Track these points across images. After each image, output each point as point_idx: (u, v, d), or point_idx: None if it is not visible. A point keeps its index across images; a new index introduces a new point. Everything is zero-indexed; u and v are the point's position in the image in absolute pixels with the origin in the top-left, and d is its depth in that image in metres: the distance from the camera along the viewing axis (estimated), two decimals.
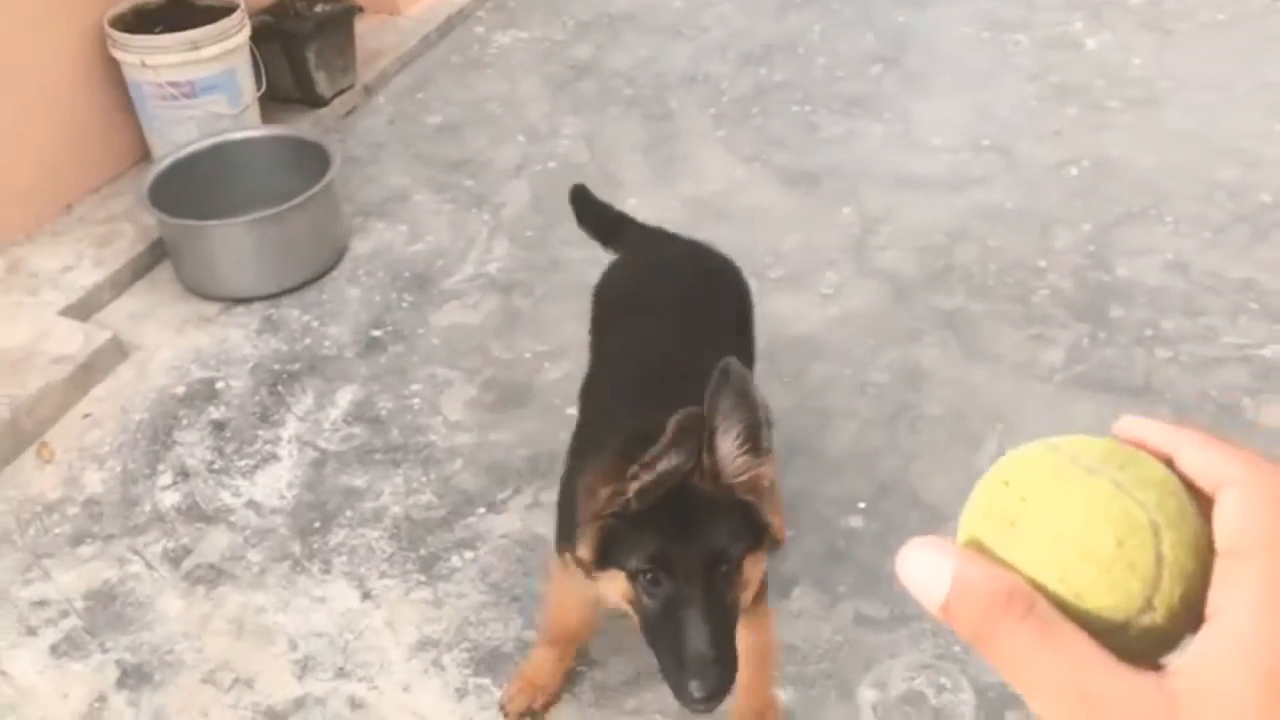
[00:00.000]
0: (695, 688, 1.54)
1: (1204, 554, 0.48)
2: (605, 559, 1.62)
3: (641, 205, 3.59)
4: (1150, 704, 0.45)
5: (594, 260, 3.39)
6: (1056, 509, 0.49)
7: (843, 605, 2.38)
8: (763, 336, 3.06)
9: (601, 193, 3.64)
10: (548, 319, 3.20)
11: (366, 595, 2.44)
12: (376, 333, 3.17)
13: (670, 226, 3.46)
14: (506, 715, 2.19)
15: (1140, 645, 0.47)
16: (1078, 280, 3.13)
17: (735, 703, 2.02)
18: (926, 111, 3.91)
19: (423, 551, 2.54)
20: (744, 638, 1.69)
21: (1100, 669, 0.46)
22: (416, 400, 2.95)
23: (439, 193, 3.75)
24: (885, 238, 3.37)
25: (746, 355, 2.31)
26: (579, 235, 3.49)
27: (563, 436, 2.80)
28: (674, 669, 1.58)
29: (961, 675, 2.22)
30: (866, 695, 2.20)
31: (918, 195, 3.52)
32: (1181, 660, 0.46)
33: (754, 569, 1.64)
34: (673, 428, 1.50)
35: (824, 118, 3.95)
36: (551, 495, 2.64)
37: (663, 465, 1.52)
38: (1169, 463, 0.51)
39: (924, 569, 0.49)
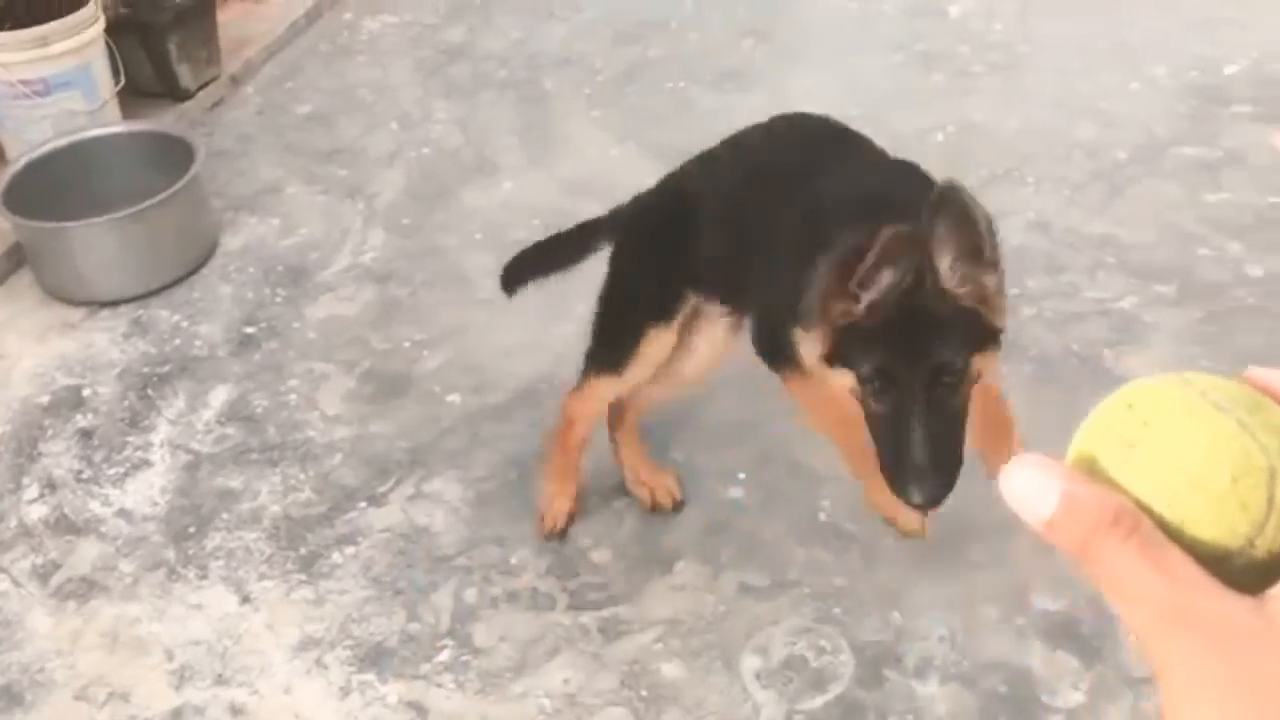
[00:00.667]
0: (914, 493, 1.66)
1: None
2: (837, 359, 1.72)
3: (517, 188, 3.58)
4: (1247, 624, 0.47)
5: (471, 245, 3.38)
6: (1178, 437, 0.50)
7: (725, 576, 2.40)
8: None
9: (476, 178, 3.64)
10: (426, 307, 3.17)
11: (245, 599, 2.40)
12: (250, 330, 3.11)
13: (546, 209, 3.48)
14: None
15: (1237, 580, 0.48)
16: None
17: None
18: (798, 83, 3.94)
19: (303, 550, 2.51)
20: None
21: (1199, 589, 0.48)
22: (293, 396, 2.90)
23: (312, 184, 3.68)
24: None
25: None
26: (456, 221, 3.48)
27: (444, 424, 2.81)
28: (896, 472, 1.68)
29: (841, 637, 2.26)
30: (749, 663, 2.23)
31: None
32: None
33: (984, 364, 1.70)
34: (879, 244, 1.57)
35: (698, 93, 3.96)
36: (431, 485, 2.63)
37: (882, 281, 1.60)
38: None
39: (1031, 485, 0.50)
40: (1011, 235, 3.16)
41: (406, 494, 2.64)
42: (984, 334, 1.69)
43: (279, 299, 3.21)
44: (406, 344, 3.04)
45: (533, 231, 3.39)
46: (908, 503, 1.70)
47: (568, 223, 3.40)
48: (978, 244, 1.62)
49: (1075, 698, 2.14)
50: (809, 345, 1.78)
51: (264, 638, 2.32)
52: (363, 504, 2.62)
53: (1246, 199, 3.18)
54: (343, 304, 3.19)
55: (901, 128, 3.67)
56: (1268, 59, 3.73)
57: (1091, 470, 0.51)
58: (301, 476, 2.69)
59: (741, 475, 2.61)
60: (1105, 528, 0.48)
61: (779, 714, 2.15)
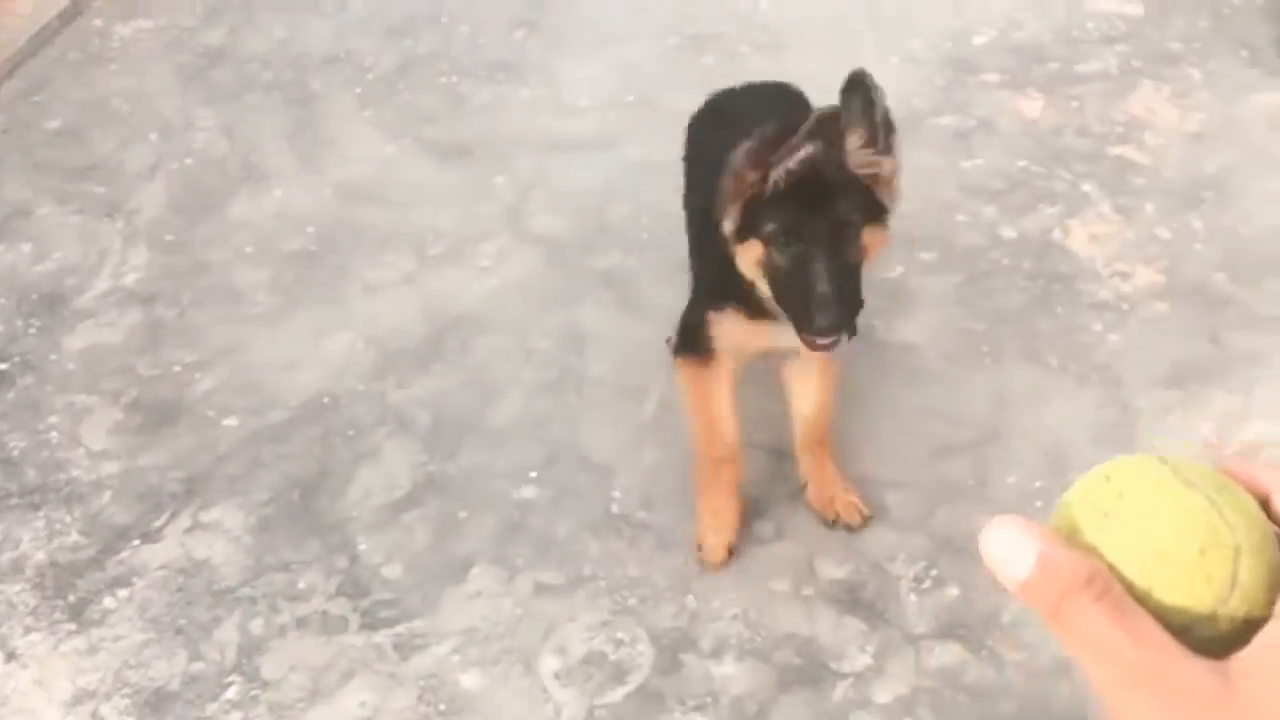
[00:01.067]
0: (819, 319, 1.90)
1: (1275, 590, 0.52)
2: (745, 231, 1.97)
3: (289, 195, 3.46)
4: (1207, 687, 0.49)
5: (242, 259, 3.25)
6: (1150, 509, 0.53)
7: (521, 578, 2.39)
8: (426, 317, 3.03)
9: (244, 187, 3.50)
10: (196, 327, 3.03)
11: (11, 656, 2.26)
12: (2, 366, 2.92)
13: (321, 215, 3.38)
14: (712, 568, 2.36)
15: (1201, 647, 0.51)
16: None
17: (807, 428, 2.41)
18: (572, 72, 3.93)
19: (72, 598, 2.37)
20: (814, 381, 2.32)
21: (1164, 651, 0.51)
22: (54, 434, 2.74)
23: (65, 203, 3.47)
24: (540, 203, 3.37)
25: None
26: (224, 234, 3.34)
27: (220, 449, 2.70)
28: (801, 309, 1.92)
29: (638, 627, 2.27)
30: (548, 664, 2.22)
31: (569, 157, 3.54)
32: (1242, 652, 0.50)
33: (873, 239, 1.98)
34: (811, 121, 1.84)
35: (471, 87, 3.91)
36: (210, 514, 2.53)
37: (801, 153, 1.85)
38: (1264, 502, 0.55)
39: (1008, 546, 0.52)
40: None
41: (183, 526, 2.53)
42: (876, 209, 1.97)
43: (33, 330, 3.02)
44: (177, 368, 2.91)
45: (307, 240, 3.30)
46: (813, 333, 1.93)
47: (344, 229, 3.33)
48: (881, 130, 1.91)
49: (863, 660, 2.21)
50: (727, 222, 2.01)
51: (33, 695, 2.18)
52: (136, 542, 2.49)
53: (998, 164, 3.34)
54: (104, 330, 3.02)
55: (676, 111, 3.68)
56: (1011, 28, 3.91)
57: (1070, 536, 0.54)
58: (67, 519, 2.55)
59: (533, 474, 2.60)
60: (1078, 589, 0.51)
61: (580, 712, 2.15)
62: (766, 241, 1.95)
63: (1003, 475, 2.49)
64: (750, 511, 2.46)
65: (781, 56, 3.92)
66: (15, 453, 2.68)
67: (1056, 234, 3.08)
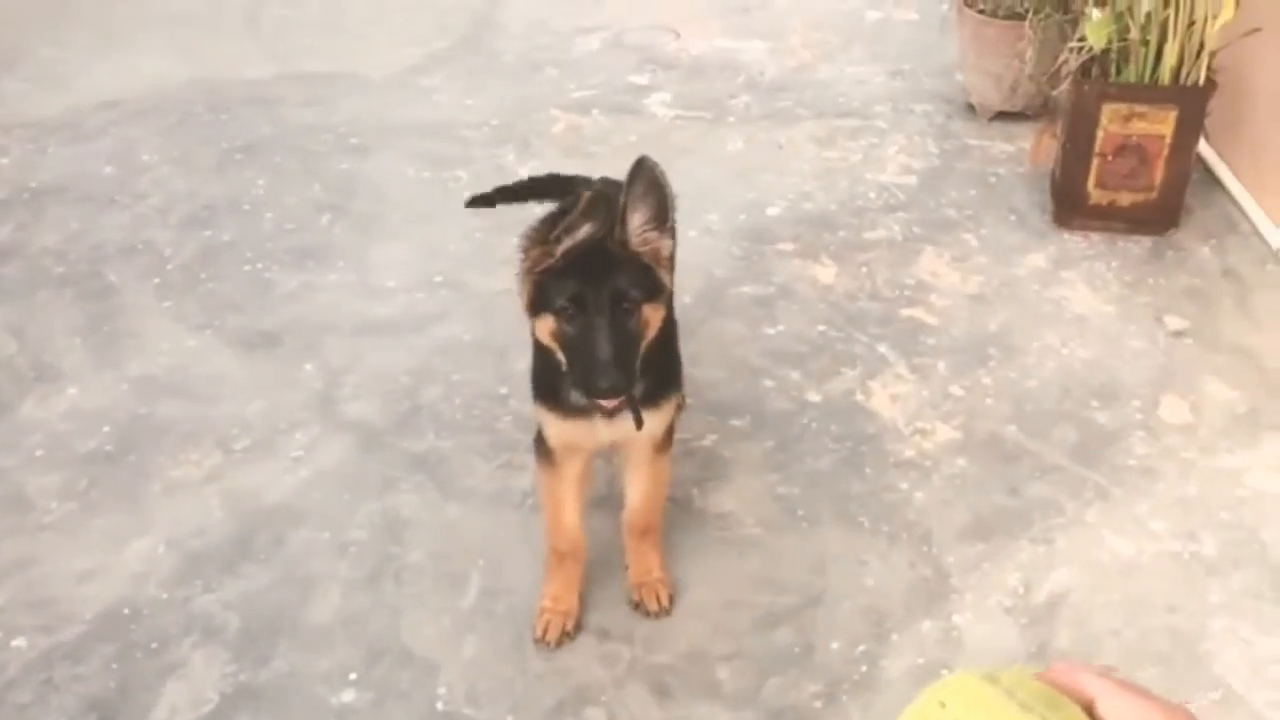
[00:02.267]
0: (602, 381, 2.05)
1: None
2: (538, 305, 2.13)
3: (83, 394, 3.32)
4: None
5: (31, 463, 3.08)
6: None
7: None
8: (233, 514, 2.91)
9: (34, 387, 3.34)
10: None
11: None
12: None
13: (119, 412, 3.24)
14: (548, 645, 2.52)
15: None
16: None
17: (631, 516, 2.58)
18: (379, 255, 3.94)
19: None
20: (641, 473, 2.49)
21: None
22: None
23: None
24: (351, 389, 3.33)
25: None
26: (12, 438, 3.16)
27: (8, 674, 2.49)
28: (587, 374, 2.08)
29: None
30: None
31: (379, 340, 3.52)
32: None
33: (652, 315, 2.14)
34: (585, 200, 2.02)
35: (277, 274, 3.86)
36: None
37: (580, 231, 2.03)
38: (1089, 708, 0.57)
39: None
40: None
41: None
42: (654, 287, 2.13)
43: None
44: None
45: (103, 440, 3.16)
46: (594, 394, 2.10)
47: (143, 427, 3.20)
48: (662, 212, 2.11)
49: None
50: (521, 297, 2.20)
51: None
52: None
53: (799, 330, 3.48)
54: None
55: (483, 290, 3.76)
56: (801, 199, 4.13)
57: None
58: None
59: (352, 676, 2.49)
60: None
61: None
62: (557, 314, 2.11)
63: (827, 640, 2.51)
64: (579, 699, 2.41)
65: None
66: None
67: (859, 396, 3.21)
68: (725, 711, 2.38)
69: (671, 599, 2.60)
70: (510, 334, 3.52)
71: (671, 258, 2.20)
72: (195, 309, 3.70)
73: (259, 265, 3.92)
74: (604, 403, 2.14)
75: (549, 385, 2.33)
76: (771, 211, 4.08)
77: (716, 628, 2.56)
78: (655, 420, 2.34)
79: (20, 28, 5.63)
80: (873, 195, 4.14)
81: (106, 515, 2.92)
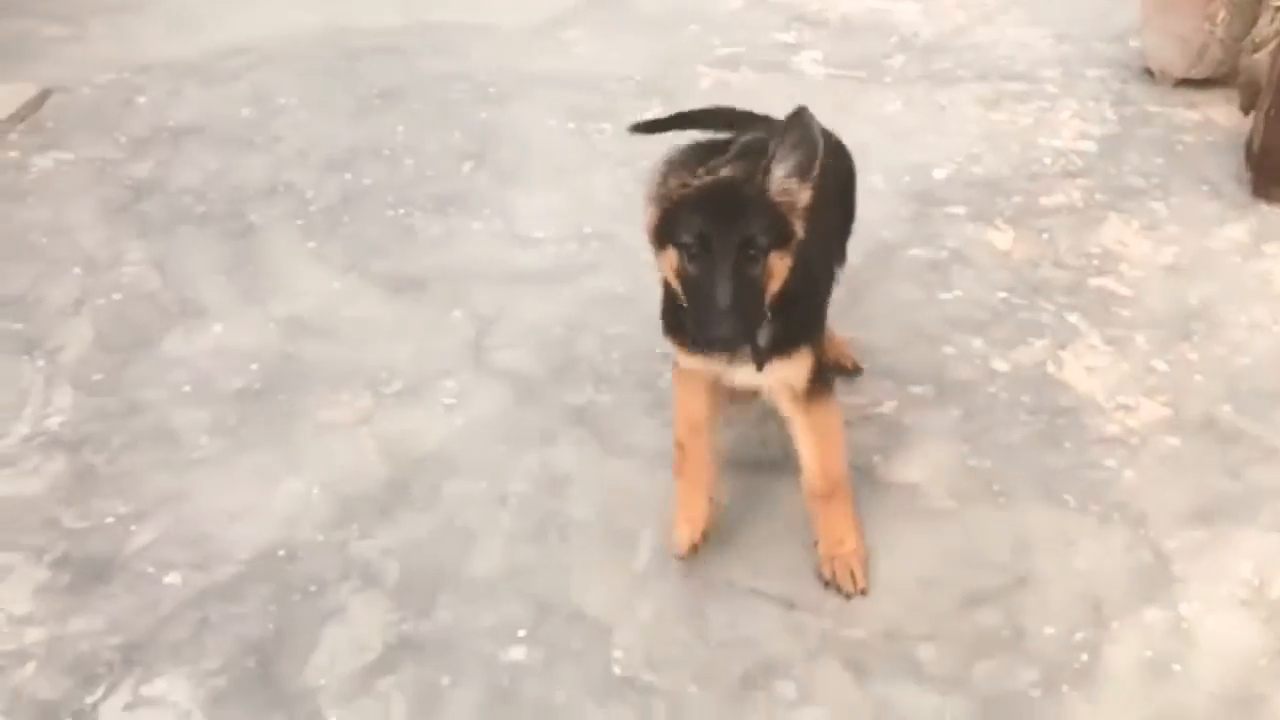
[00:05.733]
0: (715, 329, 2.01)
1: None
2: (664, 238, 2.07)
3: (229, 331, 3.21)
4: None
5: (179, 399, 2.97)
6: None
7: None
8: (387, 459, 2.78)
9: (179, 323, 3.24)
10: (130, 474, 2.73)
11: None
12: None
13: (265, 352, 3.12)
14: (681, 556, 2.44)
15: None
16: None
17: (807, 478, 2.41)
18: (525, 204, 3.78)
19: None
20: (799, 428, 2.34)
21: None
22: None
23: None
24: (502, 337, 3.17)
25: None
26: (158, 373, 3.06)
27: (162, 611, 2.38)
28: (703, 317, 2.03)
29: None
30: None
31: (529, 289, 3.37)
32: None
33: (778, 263, 2.07)
34: (737, 146, 2.06)
35: (420, 220, 3.73)
36: (154, 687, 2.21)
37: (723, 172, 2.02)
38: None
39: None
40: None
41: (122, 702, 2.19)
42: (784, 235, 2.06)
43: None
44: (109, 519, 2.59)
45: (251, 378, 3.04)
46: (709, 337, 2.05)
47: (291, 367, 3.08)
48: (809, 164, 2.03)
49: None
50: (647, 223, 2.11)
51: None
52: None
53: (978, 296, 3.25)
54: (25, 479, 2.70)
55: (636, 244, 3.56)
56: (969, 163, 3.90)
57: None
58: None
59: (521, 633, 2.33)
60: None
61: None
62: (681, 249, 2.05)
63: (1039, 625, 2.30)
64: (767, 672, 2.23)
65: None
66: None
67: (1050, 367, 2.98)
68: (931, 694, 2.18)
69: (865, 577, 2.39)
70: None
71: (808, 205, 2.09)
72: (338, 251, 3.57)
73: (401, 211, 3.78)
74: (717, 348, 2.12)
75: (676, 319, 2.27)
76: (938, 174, 3.85)
77: (913, 605, 2.36)
78: (787, 369, 2.25)
79: None
80: (1048, 161, 3.89)
81: (257, 454, 2.80)
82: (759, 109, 3.93)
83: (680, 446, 2.45)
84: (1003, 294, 3.26)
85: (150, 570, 2.47)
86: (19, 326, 3.22)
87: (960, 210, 3.64)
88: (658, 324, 3.16)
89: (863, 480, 2.66)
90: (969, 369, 2.99)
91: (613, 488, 2.68)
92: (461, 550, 2.52)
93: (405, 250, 3.57)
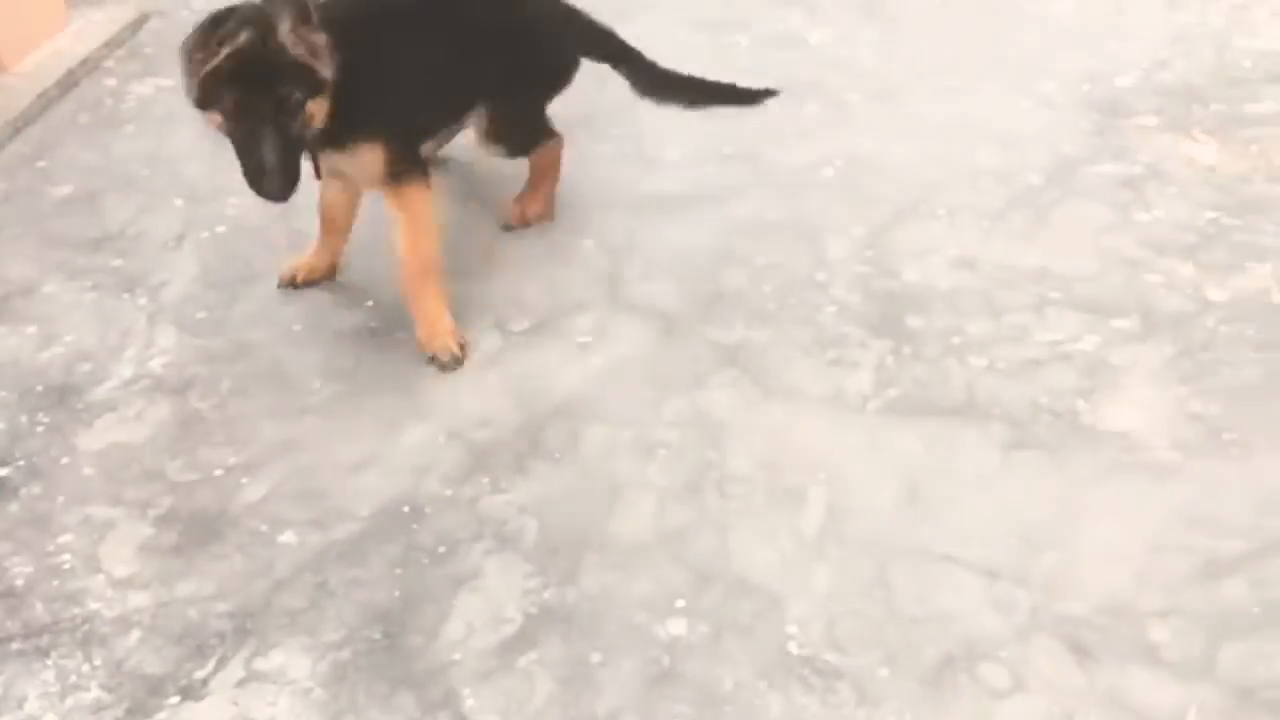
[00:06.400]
0: (264, 186, 2.28)
1: None
2: (205, 104, 2.26)
3: (348, 271, 2.94)
4: None
5: (290, 339, 2.73)
6: None
7: None
8: (519, 404, 2.49)
9: (289, 254, 2.98)
10: (240, 421, 2.49)
11: None
12: (2, 471, 2.37)
13: (382, 285, 2.86)
14: (280, 282, 2.86)
15: None
16: (865, 291, 2.72)
17: (400, 261, 2.63)
18: (656, 124, 3.43)
19: None
20: (392, 202, 2.58)
21: None
22: (66, 557, 2.18)
23: (77, 279, 2.95)
24: (640, 269, 2.86)
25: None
26: (266, 311, 2.82)
27: (278, 574, 2.14)
28: (253, 175, 2.28)
29: None
30: None
31: (665, 217, 3.04)
32: None
33: (316, 108, 2.30)
34: (238, 15, 2.23)
35: None
36: (269, 660, 1.97)
37: (237, 42, 2.19)
38: None
39: None
40: (938, 276, 2.76)
41: (235, 677, 1.96)
42: (317, 83, 2.27)
43: (40, 427, 2.48)
44: (219, 471, 2.36)
45: (367, 316, 2.78)
46: (261, 194, 2.29)
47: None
48: (305, 10, 2.23)
49: None
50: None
51: None
52: (174, 698, 1.93)
53: (1182, 216, 2.84)
54: (128, 427, 2.48)
55: (782, 165, 3.23)
56: (1156, 68, 3.45)
57: None
58: (85, 668, 1.98)
59: (680, 603, 2.03)
60: None
61: None
62: (223, 114, 2.25)
63: None
64: (970, 653, 1.90)
65: (896, 104, 3.45)
66: (19, 581, 2.12)
67: (1277, 296, 2.57)
68: (1173, 683, 1.83)
69: (464, 347, 2.61)
70: (822, 214, 3.00)
71: (326, 46, 2.27)
72: (454, 177, 3.28)
73: None
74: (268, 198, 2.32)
75: None
76: (1122, 81, 3.41)
77: (1141, 576, 2.00)
78: (353, 164, 2.52)
79: None
80: (1248, 64, 3.42)
81: (376, 399, 2.54)
82: (912, 13, 3.54)
83: (324, 222, 2.83)
84: (1211, 214, 2.84)
85: (263, 529, 2.23)
86: (118, 263, 3.00)
87: (1152, 121, 3.21)
88: (815, 252, 2.87)
89: (1066, 428, 2.30)
90: (1179, 299, 2.59)
91: (774, 436, 2.36)
92: (606, 508, 2.23)
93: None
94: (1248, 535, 2.05)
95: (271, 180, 2.24)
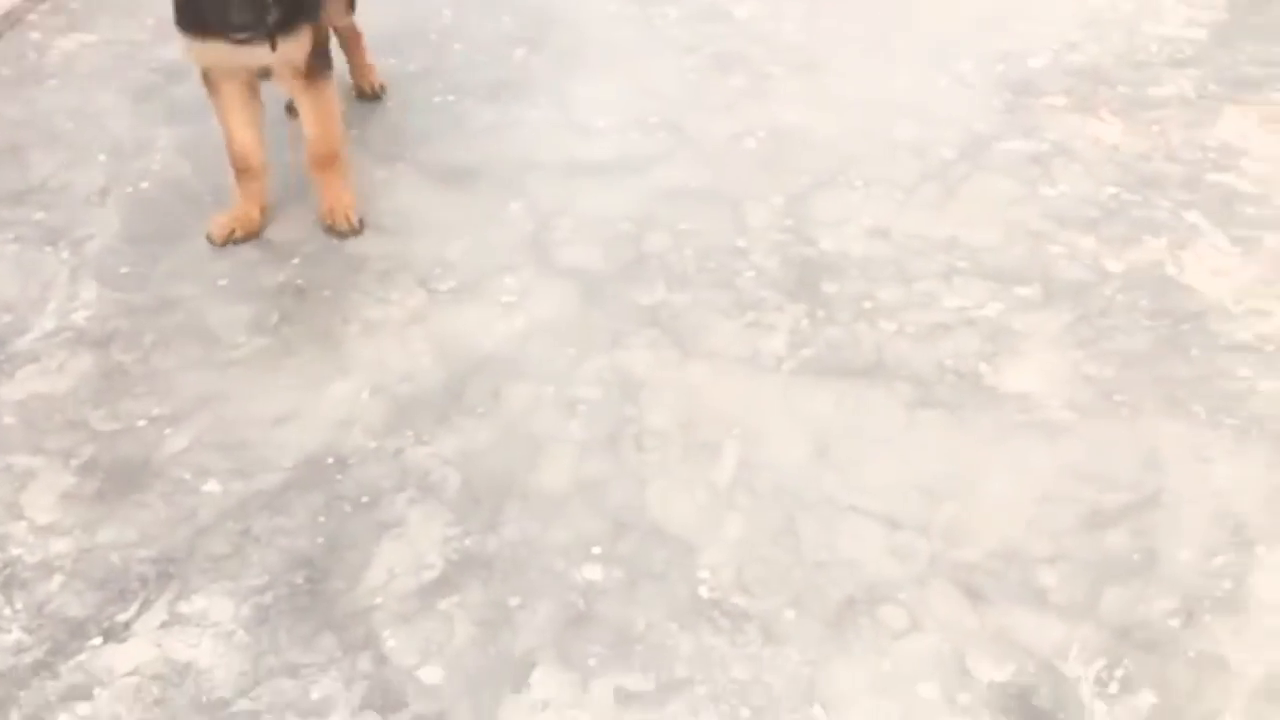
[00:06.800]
0: (231, 15, 2.45)
1: None
2: (186, 29, 2.57)
3: (270, 222, 2.96)
4: None
5: (215, 294, 2.74)
6: None
7: (596, 683, 1.89)
8: (443, 361, 2.54)
9: (213, 211, 2.98)
10: (163, 373, 2.51)
11: None
12: None
13: (308, 243, 2.89)
14: (215, 242, 2.87)
15: None
16: (782, 257, 2.80)
17: (309, 148, 2.88)
18: (583, 92, 3.50)
19: (14, 715, 1.82)
20: (304, 105, 2.80)
21: None
22: None
23: None
24: (565, 232, 2.91)
25: None
26: (192, 266, 2.83)
27: (201, 521, 2.17)
28: (219, 10, 2.47)
29: None
30: None
31: (592, 182, 3.10)
32: None
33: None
34: None
35: (471, 107, 3.45)
36: (192, 604, 2.01)
37: None
38: None
39: None
40: (852, 244, 2.85)
41: (158, 620, 1.99)
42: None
43: None
44: (141, 422, 2.38)
45: (293, 273, 2.81)
46: (226, 29, 2.49)
47: (336, 260, 2.85)
48: None
49: None
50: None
51: None
52: (97, 640, 1.96)
53: (1085, 191, 2.97)
54: (50, 377, 2.49)
55: (707, 134, 3.30)
56: (1067, 50, 3.58)
57: None
58: (6, 611, 2.00)
59: (596, 550, 2.11)
60: None
61: None
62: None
63: (1173, 549, 2.06)
64: (871, 596, 2.00)
65: (817, 78, 3.54)
66: None
67: (1170, 268, 2.70)
68: (1057, 623, 1.95)
69: (361, 221, 2.91)
70: (743, 183, 3.08)
71: None
72: (383, 138, 3.31)
73: (450, 97, 3.50)
74: (236, 35, 2.47)
75: (191, 11, 2.58)
76: (1034, 63, 3.53)
77: (1031, 525, 2.12)
78: (291, 47, 2.64)
79: None
80: (1154, 48, 3.56)
81: (301, 354, 2.57)
82: None
83: (237, 171, 2.87)
84: (1112, 189, 2.97)
85: (187, 477, 2.25)
86: (41, 215, 2.99)
87: (1060, 101, 3.33)
88: (736, 220, 2.95)
89: (969, 389, 2.41)
90: (1079, 269, 2.72)
91: (692, 394, 2.44)
92: (528, 460, 2.30)
93: (456, 139, 3.30)
94: (1132, 489, 2.17)
95: (242, 9, 2.43)
